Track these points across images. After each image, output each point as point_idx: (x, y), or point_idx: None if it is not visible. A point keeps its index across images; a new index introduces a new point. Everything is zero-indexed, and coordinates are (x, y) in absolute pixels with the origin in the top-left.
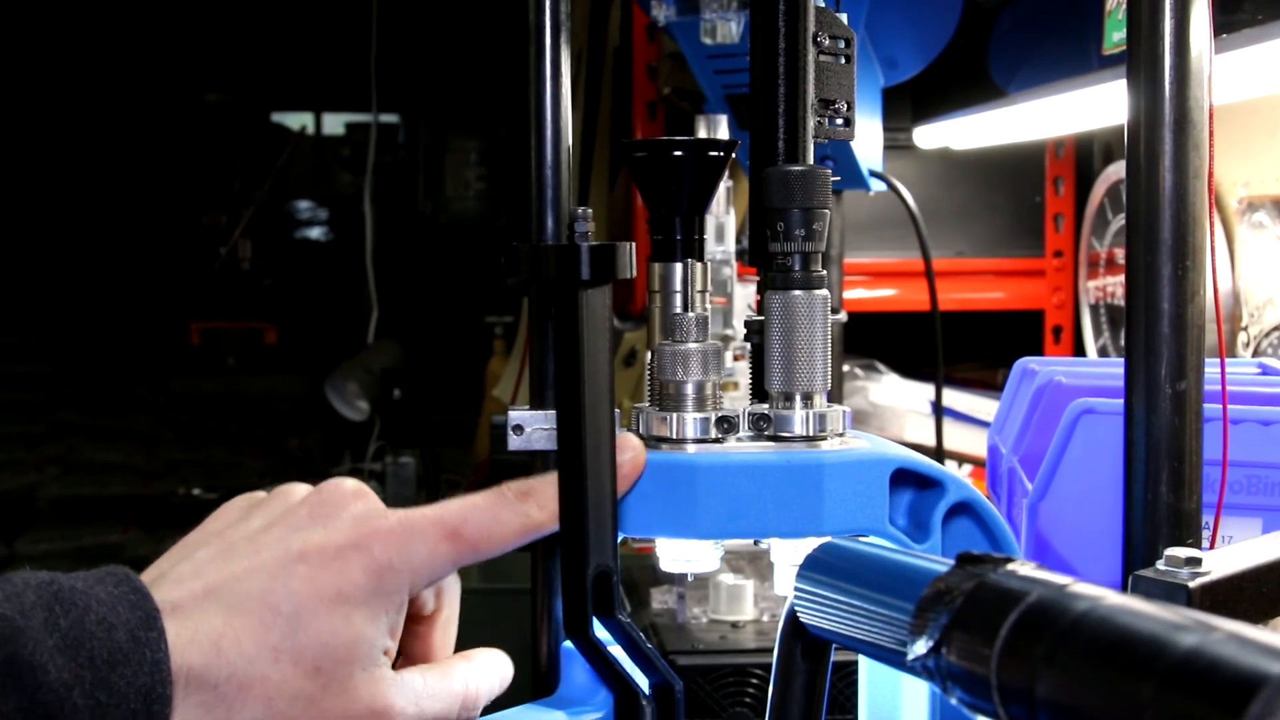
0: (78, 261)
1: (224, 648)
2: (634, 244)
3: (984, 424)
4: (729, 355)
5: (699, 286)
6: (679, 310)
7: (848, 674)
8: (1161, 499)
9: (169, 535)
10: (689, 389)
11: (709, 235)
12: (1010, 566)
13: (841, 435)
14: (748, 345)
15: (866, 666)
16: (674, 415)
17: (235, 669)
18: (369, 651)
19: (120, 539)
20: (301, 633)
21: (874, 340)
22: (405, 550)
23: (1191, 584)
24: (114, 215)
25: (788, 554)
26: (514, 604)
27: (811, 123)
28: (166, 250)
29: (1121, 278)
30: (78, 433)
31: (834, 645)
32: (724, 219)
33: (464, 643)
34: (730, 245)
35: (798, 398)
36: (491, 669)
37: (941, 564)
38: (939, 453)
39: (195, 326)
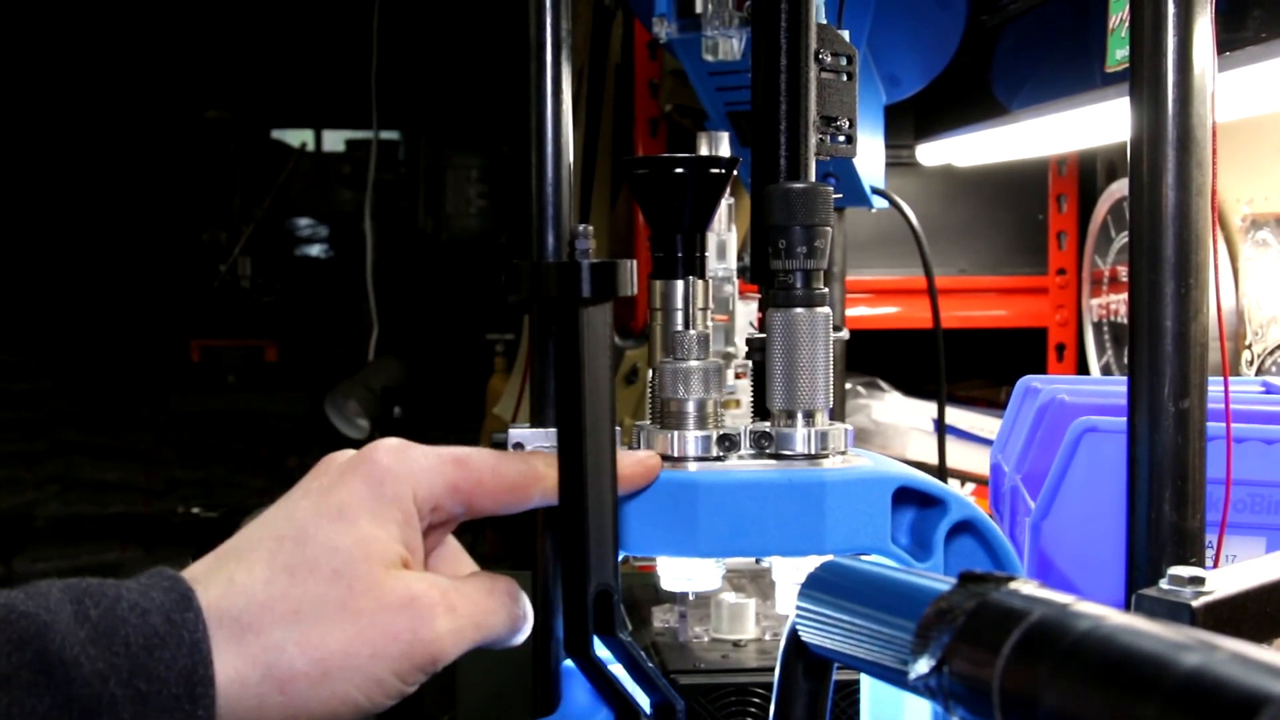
0: (77, 279)
1: (237, 579)
2: (635, 261)
3: (987, 442)
4: (730, 373)
5: (700, 304)
6: (680, 328)
7: (850, 693)
8: (1165, 518)
9: (168, 554)
10: (690, 407)
11: (710, 252)
12: (1013, 585)
13: (843, 453)
14: (749, 363)
15: (868, 686)
16: (675, 433)
17: (252, 594)
18: (383, 551)
19: (119, 558)
20: (309, 545)
21: (876, 358)
22: (405, 458)
23: (1195, 603)
24: (113, 232)
25: (790, 572)
26: None
27: (813, 140)
28: (166, 267)
29: (1125, 295)
30: (77, 451)
31: (836, 664)
32: (725, 236)
33: (467, 658)
34: (732, 263)
35: (799, 416)
36: (508, 603)
37: (944, 583)
38: (941, 471)
39: (195, 344)
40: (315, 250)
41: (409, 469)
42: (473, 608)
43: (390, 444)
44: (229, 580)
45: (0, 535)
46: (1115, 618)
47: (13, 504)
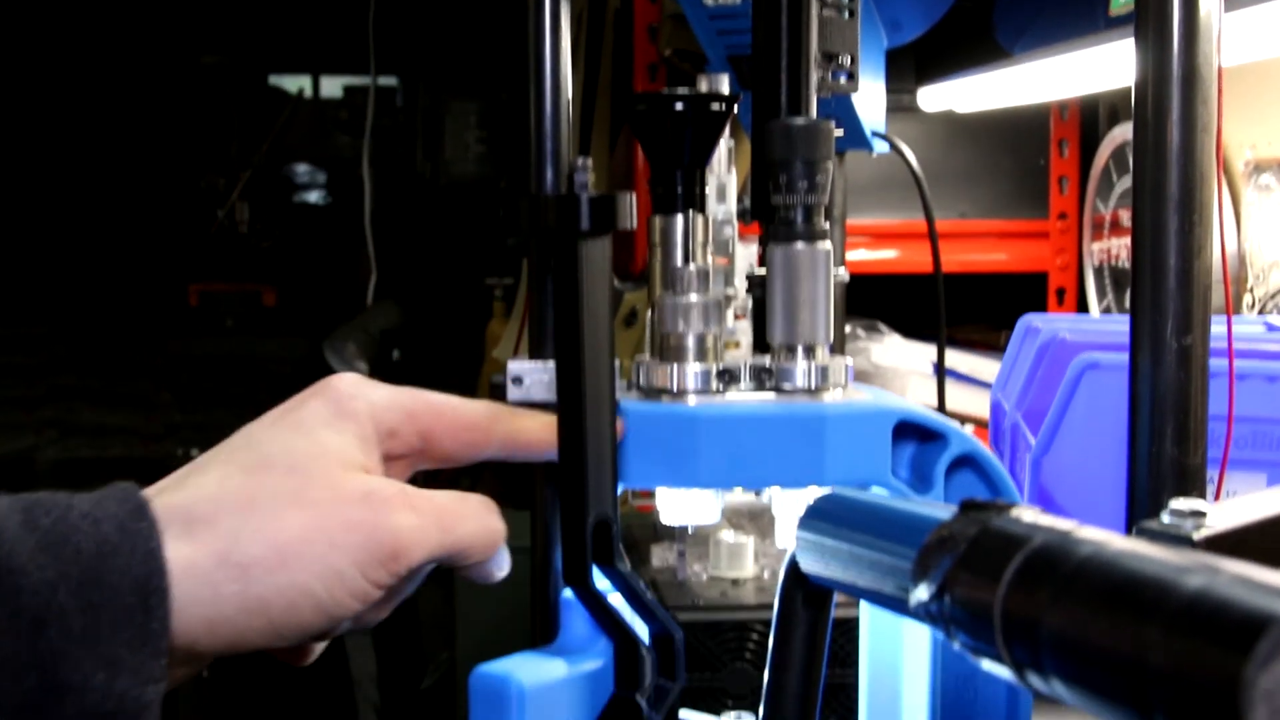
0: (74, 225)
1: (189, 482)
2: (634, 194)
3: (986, 385)
4: (730, 315)
5: (700, 239)
6: (680, 263)
7: (849, 629)
8: (1166, 453)
9: None
10: (690, 341)
11: (710, 194)
12: (1014, 512)
13: (844, 387)
14: (749, 305)
15: (868, 618)
16: (675, 366)
17: (204, 490)
18: (340, 454)
19: None
20: (265, 447)
21: (876, 301)
22: (361, 384)
23: (1195, 536)
24: (110, 178)
25: (790, 505)
26: (514, 562)
27: (814, 76)
28: (164, 213)
29: (1126, 240)
30: (76, 396)
31: (835, 594)
32: (725, 179)
33: (468, 598)
34: (732, 205)
35: (800, 349)
36: (480, 512)
37: (945, 511)
38: (941, 413)
39: (193, 289)
40: (313, 196)
41: (365, 393)
42: (437, 510)
43: (348, 376)
44: (181, 485)
45: (0, 480)
46: (1118, 542)
47: (12, 448)
